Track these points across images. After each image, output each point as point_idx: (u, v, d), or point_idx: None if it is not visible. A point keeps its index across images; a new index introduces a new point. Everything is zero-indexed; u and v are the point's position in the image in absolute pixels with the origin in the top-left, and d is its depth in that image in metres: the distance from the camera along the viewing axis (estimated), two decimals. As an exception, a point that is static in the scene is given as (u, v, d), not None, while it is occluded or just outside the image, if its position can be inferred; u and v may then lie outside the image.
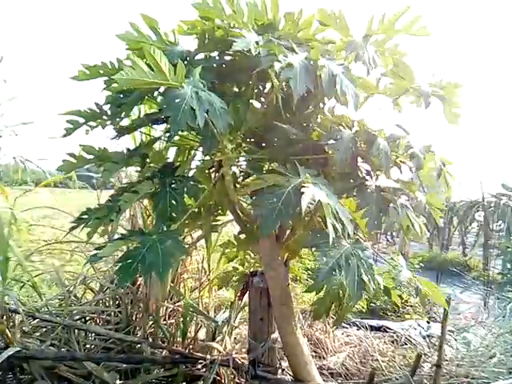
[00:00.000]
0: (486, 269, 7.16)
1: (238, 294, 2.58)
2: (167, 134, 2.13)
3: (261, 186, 1.55)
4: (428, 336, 3.79)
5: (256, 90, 1.97)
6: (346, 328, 3.85)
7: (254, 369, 2.39)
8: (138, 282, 2.88)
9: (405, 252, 7.57)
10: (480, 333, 3.78)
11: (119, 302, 2.91)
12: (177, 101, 1.38)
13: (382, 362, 3.05)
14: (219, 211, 2.47)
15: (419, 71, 2.03)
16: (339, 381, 2.89)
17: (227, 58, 1.95)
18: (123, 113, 1.93)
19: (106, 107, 1.97)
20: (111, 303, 2.94)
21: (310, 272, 4.68)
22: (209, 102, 1.45)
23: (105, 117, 2.01)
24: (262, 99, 2.03)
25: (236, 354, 2.59)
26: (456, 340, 3.67)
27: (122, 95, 1.91)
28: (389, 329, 3.88)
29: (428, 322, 4.08)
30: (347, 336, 3.69)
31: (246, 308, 2.87)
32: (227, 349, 2.60)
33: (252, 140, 2.06)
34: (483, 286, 5.98)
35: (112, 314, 2.87)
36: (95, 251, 1.72)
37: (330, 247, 1.63)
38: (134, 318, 2.85)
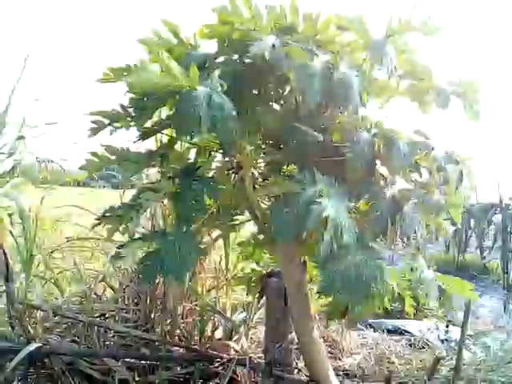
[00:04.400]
0: (505, 272, 7.03)
1: (257, 296, 2.60)
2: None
3: (276, 192, 1.56)
4: (446, 340, 3.75)
5: (274, 93, 1.99)
6: (362, 330, 3.83)
7: (270, 368, 2.41)
8: (157, 281, 2.93)
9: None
10: (499, 337, 3.73)
11: (138, 300, 2.96)
12: (185, 106, 1.41)
13: (399, 364, 3.03)
14: (237, 211, 2.51)
15: (436, 71, 2.02)
16: (355, 382, 2.90)
17: (247, 60, 1.97)
18: (146, 115, 1.98)
19: (130, 109, 2.02)
20: (130, 301, 2.99)
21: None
22: (220, 107, 1.47)
23: (129, 118, 2.06)
24: (282, 101, 2.05)
25: (252, 353, 2.61)
26: (475, 344, 3.63)
27: (145, 98, 1.96)
28: (406, 331, 3.85)
29: (447, 326, 4.03)
30: (363, 338, 3.68)
31: (263, 309, 2.91)
32: (244, 348, 2.62)
33: (271, 142, 2.08)
34: (503, 290, 5.88)
35: (131, 311, 2.92)
36: (116, 250, 1.78)
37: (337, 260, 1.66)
38: (152, 316, 2.89)
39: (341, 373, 2.94)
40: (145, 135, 2.12)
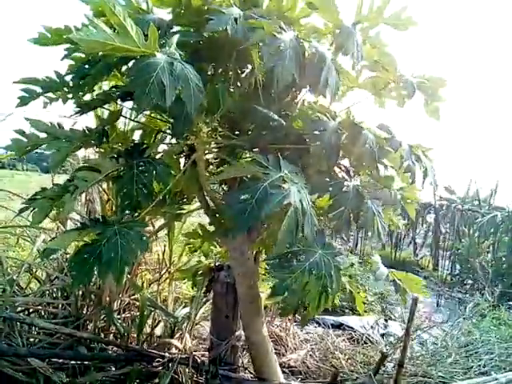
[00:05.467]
0: (435, 269, 7.41)
1: (204, 290, 2.43)
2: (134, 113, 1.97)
3: (234, 174, 1.41)
4: (386, 334, 3.82)
5: (233, 72, 1.83)
6: (306, 325, 3.80)
7: (215, 367, 2.27)
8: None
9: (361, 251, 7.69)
10: (433, 332, 3.86)
11: (68, 293, 2.68)
12: (145, 73, 1.21)
13: (343, 360, 3.01)
14: (185, 199, 2.32)
15: (402, 64, 1.96)
16: (299, 379, 2.83)
17: (205, 34, 1.78)
18: (87, 86, 1.73)
19: (68, 78, 1.76)
20: (59, 294, 2.69)
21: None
22: (183, 77, 1.28)
23: (66, 89, 1.80)
24: (240, 83, 1.89)
25: (196, 351, 2.45)
26: (412, 339, 3.71)
27: (86, 65, 1.70)
28: (348, 327, 3.87)
29: (386, 321, 4.12)
30: (307, 333, 3.64)
31: (208, 304, 2.75)
32: (187, 346, 2.44)
33: (227, 125, 1.91)
34: (435, 286, 6.17)
35: (60, 306, 2.63)
36: (45, 237, 1.53)
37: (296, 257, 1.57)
38: (84, 312, 2.62)
39: (286, 369, 2.85)
40: (83, 110, 1.86)
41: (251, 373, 2.39)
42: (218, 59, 1.83)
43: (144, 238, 1.45)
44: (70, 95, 1.83)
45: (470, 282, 6.02)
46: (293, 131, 1.82)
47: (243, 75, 1.96)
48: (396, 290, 1.99)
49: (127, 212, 1.55)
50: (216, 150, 1.91)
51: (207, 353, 2.42)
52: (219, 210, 1.99)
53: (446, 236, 7.82)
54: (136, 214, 1.69)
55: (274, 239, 2.07)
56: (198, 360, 2.36)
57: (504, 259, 5.66)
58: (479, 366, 3.06)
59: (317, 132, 1.66)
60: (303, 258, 1.57)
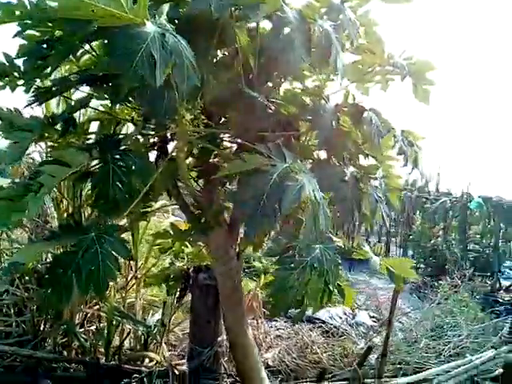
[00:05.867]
0: (386, 256, 7.64)
1: (177, 295, 2.24)
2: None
3: (241, 168, 1.24)
4: (355, 324, 3.82)
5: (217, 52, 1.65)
6: (276, 321, 3.70)
7: (197, 377, 2.09)
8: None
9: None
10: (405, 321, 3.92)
11: (22, 308, 2.37)
12: (134, 43, 1.00)
13: (321, 354, 2.95)
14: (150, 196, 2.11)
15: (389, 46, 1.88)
16: (280, 378, 2.72)
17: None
18: (47, 69, 1.47)
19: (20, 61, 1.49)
20: (12, 311, 2.37)
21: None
22: (177, 51, 1.10)
23: (16, 74, 1.53)
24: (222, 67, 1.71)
25: (173, 362, 2.25)
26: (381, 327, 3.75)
27: (44, 45, 1.44)
28: (317, 319, 3.81)
29: (352, 310, 4.12)
30: (278, 329, 3.54)
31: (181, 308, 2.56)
32: (164, 357, 2.24)
33: (208, 112, 1.73)
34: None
35: (13, 324, 2.31)
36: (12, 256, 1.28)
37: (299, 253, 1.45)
38: (42, 328, 2.33)
39: (265, 370, 2.73)
40: (39, 98, 1.60)
41: (235, 379, 2.25)
42: (197, 40, 1.65)
43: (126, 244, 1.25)
44: (21, 81, 1.57)
45: (422, 266, 6.23)
46: (281, 118, 1.68)
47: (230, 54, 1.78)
48: (391, 279, 1.93)
49: (107, 215, 1.33)
50: (196, 139, 1.72)
51: (186, 362, 2.24)
52: (201, 207, 1.82)
53: (397, 222, 8.08)
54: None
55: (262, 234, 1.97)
56: (177, 372, 2.17)
57: (454, 243, 5.93)
58: (449, 348, 3.13)
59: (310, 117, 1.54)
60: (304, 253, 1.44)
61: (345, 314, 3.99)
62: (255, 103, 1.58)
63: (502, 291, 5.47)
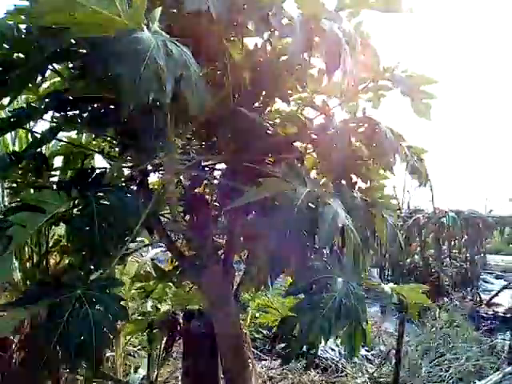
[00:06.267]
0: (380, 277, 7.50)
1: (165, 345, 1.96)
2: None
3: (260, 195, 1.04)
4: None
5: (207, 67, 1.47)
6: (265, 360, 3.43)
7: None
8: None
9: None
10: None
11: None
12: (137, 52, 0.81)
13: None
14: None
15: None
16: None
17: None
18: (6, 96, 1.22)
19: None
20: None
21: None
22: (183, 62, 0.90)
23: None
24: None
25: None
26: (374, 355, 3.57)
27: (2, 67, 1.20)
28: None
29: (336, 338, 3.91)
30: (269, 369, 3.27)
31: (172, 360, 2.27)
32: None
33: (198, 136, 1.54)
34: (371, 294, 6.18)
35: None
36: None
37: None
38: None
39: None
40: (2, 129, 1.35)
41: None
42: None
43: (122, 302, 1.01)
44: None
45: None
46: (280, 139, 1.50)
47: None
48: (404, 310, 1.75)
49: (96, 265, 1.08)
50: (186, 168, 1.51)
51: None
52: (193, 245, 1.59)
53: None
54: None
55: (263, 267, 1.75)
56: None
57: (431, 260, 5.90)
58: (451, 373, 2.97)
59: (315, 135, 1.38)
60: (329, 287, 1.23)
61: (337, 345, 3.76)
62: (253, 124, 1.40)
63: (483, 306, 5.44)
